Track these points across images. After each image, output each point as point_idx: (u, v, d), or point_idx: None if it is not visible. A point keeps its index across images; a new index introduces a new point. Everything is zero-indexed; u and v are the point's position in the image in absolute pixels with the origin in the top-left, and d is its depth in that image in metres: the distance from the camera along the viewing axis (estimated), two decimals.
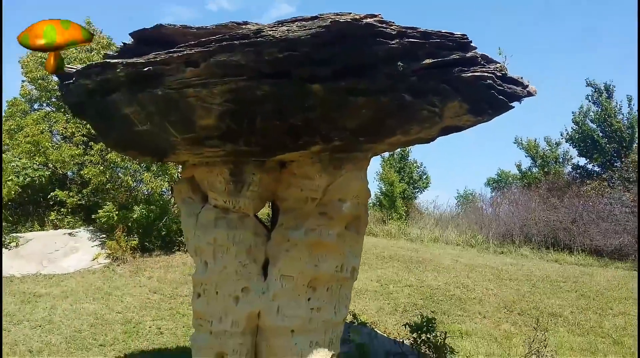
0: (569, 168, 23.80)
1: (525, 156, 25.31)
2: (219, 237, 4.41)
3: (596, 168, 21.76)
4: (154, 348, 7.64)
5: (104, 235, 12.40)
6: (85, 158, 13.05)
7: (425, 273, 12.37)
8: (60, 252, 11.63)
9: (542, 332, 5.74)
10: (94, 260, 11.56)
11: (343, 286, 4.67)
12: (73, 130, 13.40)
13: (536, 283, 11.65)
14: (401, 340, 6.56)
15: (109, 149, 12.33)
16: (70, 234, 12.52)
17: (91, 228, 12.84)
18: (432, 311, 9.67)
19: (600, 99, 21.93)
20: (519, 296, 10.56)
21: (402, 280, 11.62)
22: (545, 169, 23.55)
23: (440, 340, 5.91)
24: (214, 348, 4.40)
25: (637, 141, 15.23)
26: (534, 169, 24.55)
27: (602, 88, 22.08)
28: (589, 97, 22.56)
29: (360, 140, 4.26)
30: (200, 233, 4.48)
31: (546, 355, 5.57)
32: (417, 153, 50.74)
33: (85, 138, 13.48)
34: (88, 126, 13.07)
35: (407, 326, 6.23)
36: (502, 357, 6.82)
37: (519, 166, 25.67)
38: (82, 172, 13.01)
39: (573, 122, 22.67)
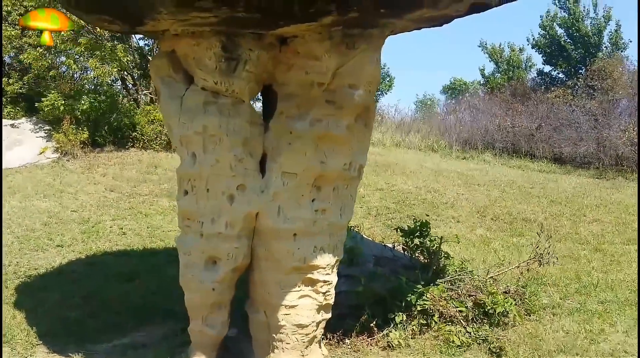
0: (533, 74, 23.66)
1: (489, 61, 24.97)
2: (209, 125, 3.68)
3: (561, 75, 21.65)
4: (118, 250, 7.01)
5: (50, 127, 11.29)
6: (23, 41, 11.59)
7: (394, 177, 12.07)
8: (2, 145, 10.52)
9: (546, 239, 5.45)
10: (40, 154, 10.56)
11: (350, 186, 4.10)
12: (9, 8, 11.76)
13: (505, 189, 11.57)
14: (392, 245, 6.20)
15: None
16: (12, 125, 11.32)
17: (34, 119, 11.65)
18: (407, 216, 9.41)
19: (567, 4, 21.43)
20: (491, 202, 10.43)
21: (372, 184, 11.28)
22: (509, 75, 23.28)
23: (436, 246, 5.55)
24: (205, 252, 3.81)
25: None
26: (497, 75, 24.25)
27: None
28: (556, 1, 22.07)
29: (381, 12, 3.53)
30: (186, 120, 3.73)
31: (551, 261, 5.33)
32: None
33: (21, 17, 11.90)
34: (25, 3, 11.53)
35: (398, 230, 5.83)
36: (488, 262, 6.62)
37: (482, 71, 25.35)
38: (20, 57, 11.61)
39: (540, 27, 22.25)
